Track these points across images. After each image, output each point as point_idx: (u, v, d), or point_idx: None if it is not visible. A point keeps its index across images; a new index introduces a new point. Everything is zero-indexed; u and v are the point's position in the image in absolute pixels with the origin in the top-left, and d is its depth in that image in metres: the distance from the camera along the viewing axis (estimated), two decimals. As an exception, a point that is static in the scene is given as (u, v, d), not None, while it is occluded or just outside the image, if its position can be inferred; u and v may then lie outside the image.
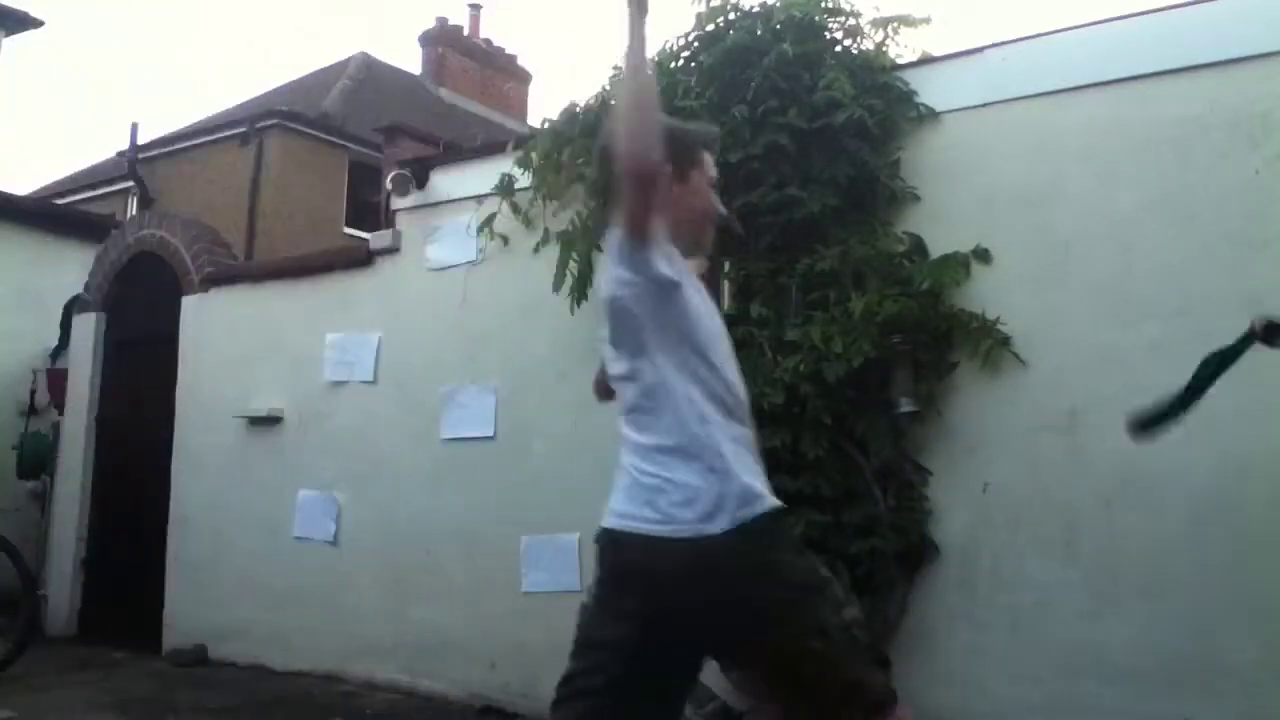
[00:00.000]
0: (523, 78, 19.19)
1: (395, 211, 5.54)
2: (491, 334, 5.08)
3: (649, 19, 1.92)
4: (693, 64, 4.21)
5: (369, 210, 12.59)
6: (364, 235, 7.67)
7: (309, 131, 13.41)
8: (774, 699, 2.06)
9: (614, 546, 1.98)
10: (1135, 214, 3.56)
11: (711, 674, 4.11)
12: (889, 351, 3.67)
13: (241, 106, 15.21)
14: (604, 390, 2.23)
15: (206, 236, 6.70)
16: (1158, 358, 3.47)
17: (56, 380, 7.32)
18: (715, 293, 4.06)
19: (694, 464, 1.91)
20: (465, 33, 18.51)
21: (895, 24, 4.12)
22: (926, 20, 4.11)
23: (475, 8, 18.84)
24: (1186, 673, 3.31)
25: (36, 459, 7.34)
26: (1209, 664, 3.29)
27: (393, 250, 5.49)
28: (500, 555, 4.88)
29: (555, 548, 4.72)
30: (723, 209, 2.16)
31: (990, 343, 3.71)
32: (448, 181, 5.36)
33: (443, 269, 5.28)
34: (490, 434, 5.02)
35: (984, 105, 3.89)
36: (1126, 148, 3.61)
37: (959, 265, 3.77)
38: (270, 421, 5.87)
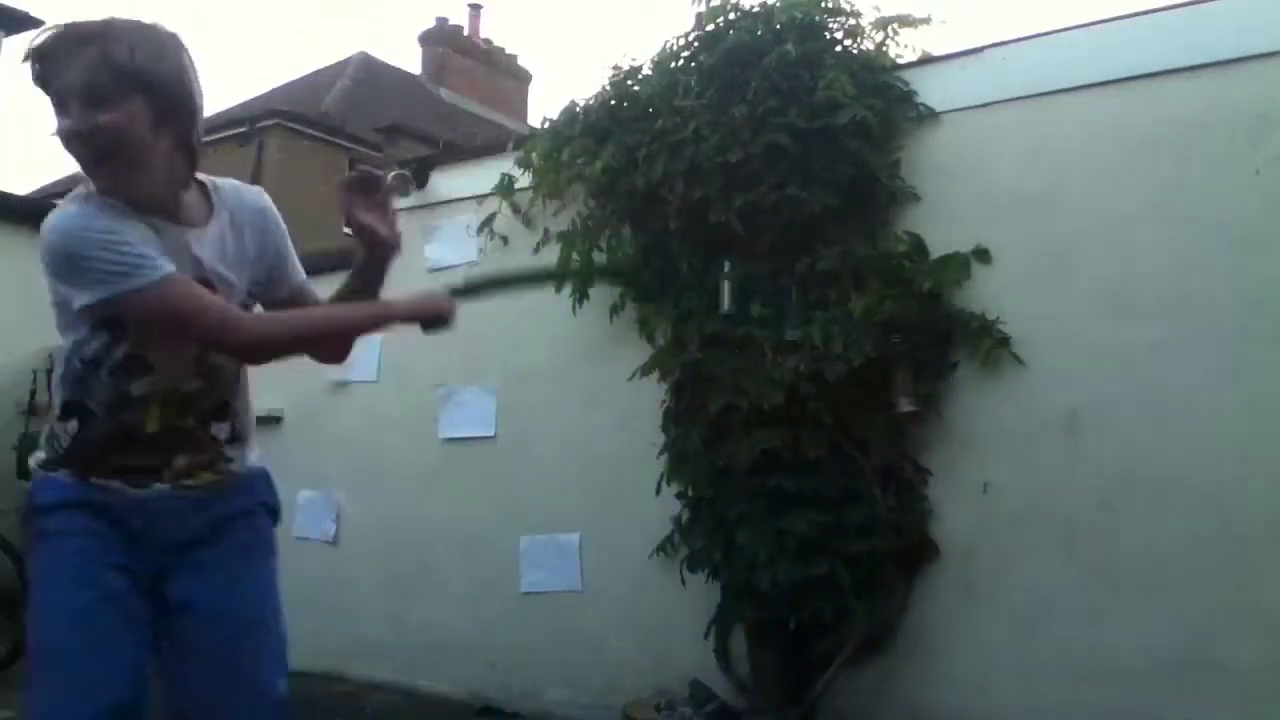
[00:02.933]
0: (523, 78, 19.22)
1: (395, 211, 5.53)
2: (491, 334, 5.08)
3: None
4: (693, 64, 4.20)
5: (369, 210, 12.60)
6: (364, 235, 7.66)
7: (309, 131, 13.43)
8: None
9: None
10: (1135, 214, 3.56)
11: (711, 675, 4.13)
12: (889, 351, 3.67)
13: (241, 106, 15.23)
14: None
15: (206, 236, 6.69)
16: (1158, 358, 3.47)
17: (56, 380, 7.32)
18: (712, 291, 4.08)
19: None
20: (465, 33, 18.54)
21: (895, 24, 4.12)
22: (926, 20, 4.11)
23: (475, 8, 18.87)
24: (1186, 673, 3.31)
25: (36, 459, 7.33)
26: (1209, 664, 3.28)
27: (393, 250, 5.48)
28: (500, 555, 4.88)
29: (555, 547, 4.72)
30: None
31: (990, 343, 3.70)
32: (448, 181, 5.36)
33: (443, 269, 5.28)
34: (490, 434, 5.02)
35: (984, 105, 3.89)
36: (1126, 148, 3.60)
37: (959, 265, 3.77)
38: (270, 421, 5.86)
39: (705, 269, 4.09)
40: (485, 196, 4.98)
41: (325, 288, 2.16)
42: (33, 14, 10.16)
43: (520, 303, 4.93)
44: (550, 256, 4.57)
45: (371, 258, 2.01)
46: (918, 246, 3.87)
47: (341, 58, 17.02)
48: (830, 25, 4.12)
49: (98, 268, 1.65)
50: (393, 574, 5.29)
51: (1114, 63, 3.65)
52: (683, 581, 4.05)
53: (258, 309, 1.99)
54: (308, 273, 2.17)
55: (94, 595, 1.76)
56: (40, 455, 1.91)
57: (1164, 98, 3.55)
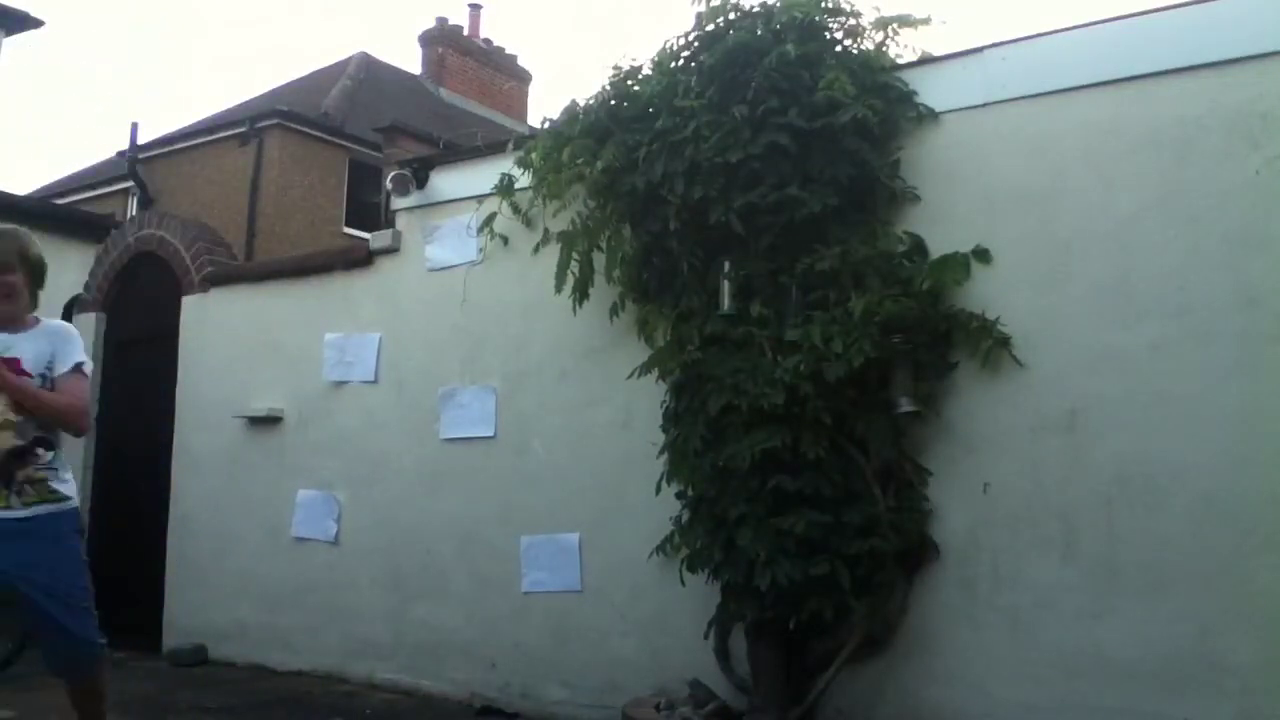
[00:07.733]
0: (523, 78, 19.20)
1: (395, 211, 5.54)
2: (491, 334, 5.08)
3: None
4: (693, 64, 4.20)
5: (369, 210, 12.61)
6: (364, 235, 7.66)
7: (309, 131, 13.41)
8: None
9: None
10: (1135, 214, 3.56)
11: (711, 675, 4.13)
12: (889, 351, 3.67)
13: (241, 106, 15.21)
14: None
15: (206, 236, 6.70)
16: (1158, 358, 3.48)
17: (56, 380, 7.31)
18: (714, 292, 4.08)
19: None
20: (465, 33, 18.52)
21: (895, 24, 4.11)
22: (926, 20, 4.10)
23: (475, 8, 18.85)
24: (1186, 673, 3.31)
25: (36, 459, 7.33)
26: (1209, 664, 3.29)
27: (393, 250, 5.49)
28: (500, 555, 4.88)
29: (555, 547, 4.73)
30: None
31: (990, 343, 3.71)
32: (448, 181, 5.36)
33: (443, 269, 5.28)
34: (491, 434, 5.02)
35: (984, 105, 3.89)
36: (1126, 148, 3.61)
37: (959, 265, 3.77)
38: (270, 421, 5.87)
39: (705, 269, 4.09)
40: (485, 196, 4.98)
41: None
42: (32, 14, 10.17)
43: (520, 303, 4.96)
44: (550, 256, 4.57)
45: None
46: (918, 246, 3.88)
47: (341, 58, 17.02)
48: (830, 25, 4.12)
49: None
50: (393, 574, 5.29)
51: (1114, 63, 3.65)
52: (682, 581, 4.05)
53: None
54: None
55: None
56: None
57: (1164, 98, 3.55)
